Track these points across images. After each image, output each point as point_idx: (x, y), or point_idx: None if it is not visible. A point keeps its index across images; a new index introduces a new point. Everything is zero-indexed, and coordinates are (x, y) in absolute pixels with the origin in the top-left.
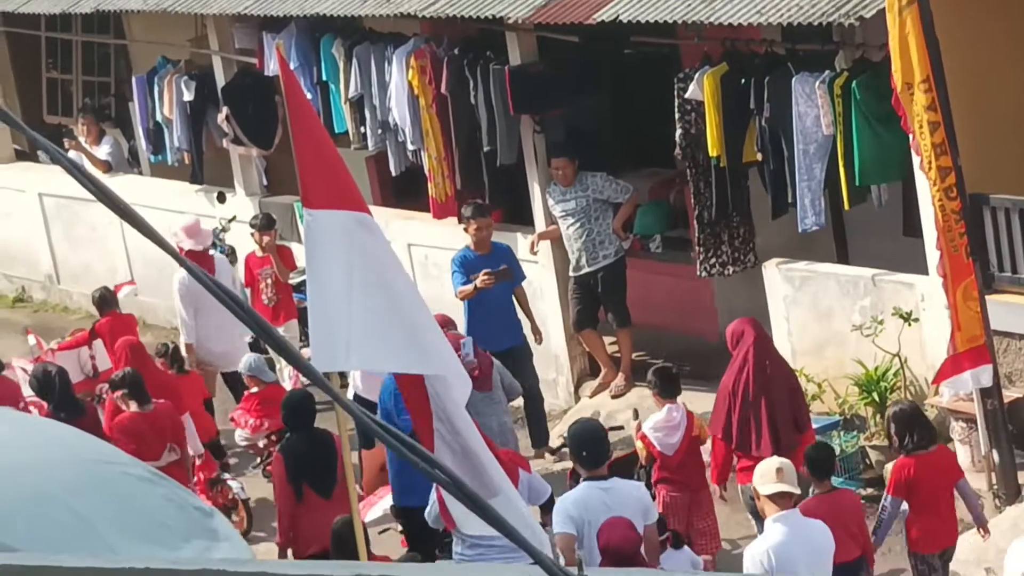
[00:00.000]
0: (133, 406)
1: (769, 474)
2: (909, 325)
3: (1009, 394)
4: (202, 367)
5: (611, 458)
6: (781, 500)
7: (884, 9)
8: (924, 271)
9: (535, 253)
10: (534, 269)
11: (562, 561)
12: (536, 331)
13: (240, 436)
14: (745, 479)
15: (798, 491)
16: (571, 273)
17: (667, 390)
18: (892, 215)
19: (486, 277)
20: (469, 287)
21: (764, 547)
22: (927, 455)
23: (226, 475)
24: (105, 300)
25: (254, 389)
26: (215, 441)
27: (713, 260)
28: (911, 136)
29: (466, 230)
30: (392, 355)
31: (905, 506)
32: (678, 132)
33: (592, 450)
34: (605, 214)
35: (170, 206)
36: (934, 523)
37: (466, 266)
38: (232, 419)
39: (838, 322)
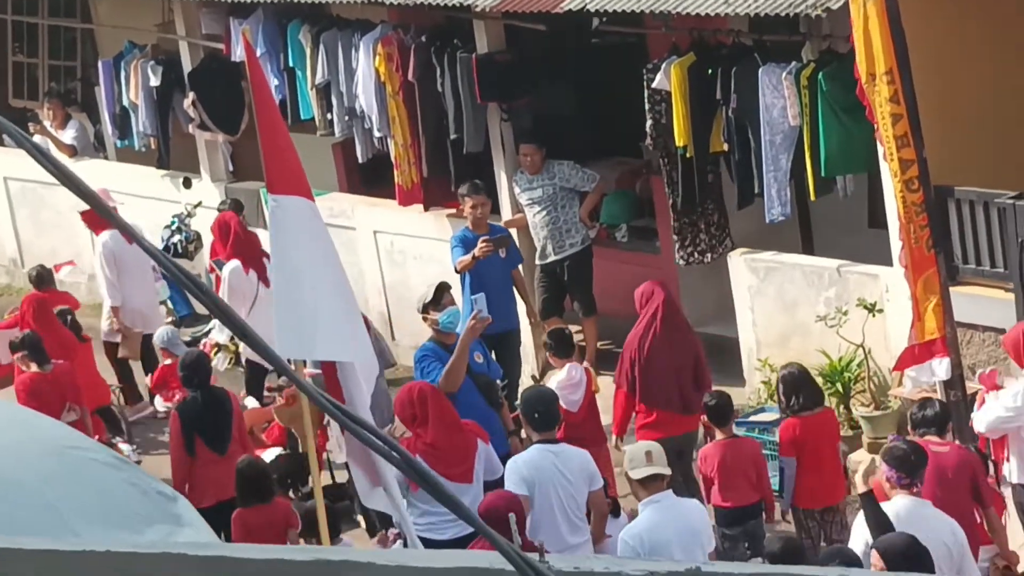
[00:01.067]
0: (33, 367)
1: (639, 458)
2: (873, 316)
3: (972, 385)
4: (126, 331)
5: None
6: (653, 483)
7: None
8: (889, 262)
9: (486, 240)
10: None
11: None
12: (532, 313)
13: (159, 404)
14: (645, 435)
15: (668, 472)
16: (537, 261)
17: (562, 350)
18: (858, 206)
19: (484, 245)
20: (468, 257)
21: (637, 531)
22: (812, 416)
23: (117, 439)
24: (41, 278)
25: (167, 361)
26: (107, 407)
27: (691, 248)
28: (876, 127)
29: (461, 209)
30: (346, 345)
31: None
32: (648, 122)
33: (543, 412)
34: (571, 203)
35: (136, 191)
36: (816, 481)
37: (465, 244)
38: (150, 387)
39: (803, 313)
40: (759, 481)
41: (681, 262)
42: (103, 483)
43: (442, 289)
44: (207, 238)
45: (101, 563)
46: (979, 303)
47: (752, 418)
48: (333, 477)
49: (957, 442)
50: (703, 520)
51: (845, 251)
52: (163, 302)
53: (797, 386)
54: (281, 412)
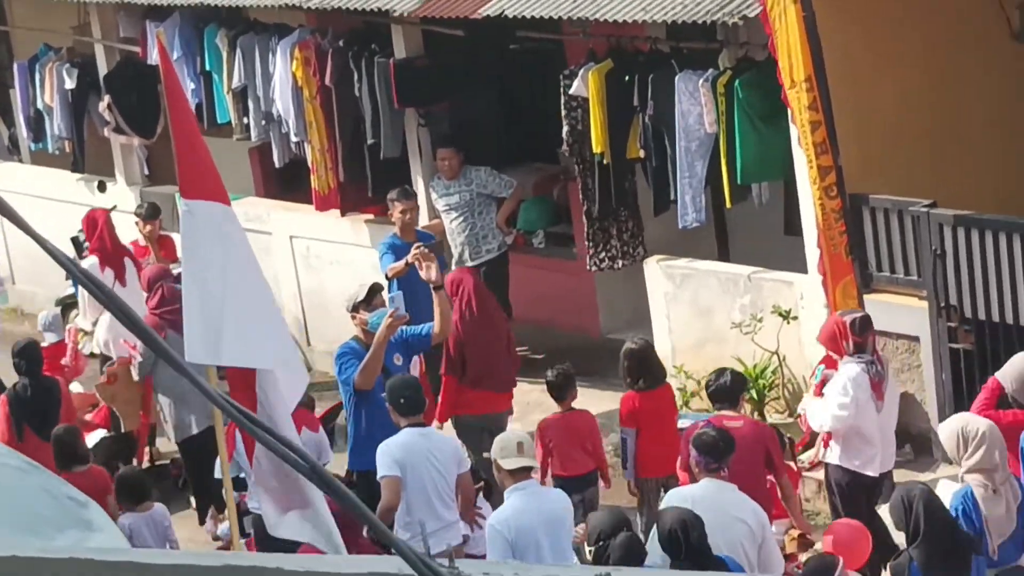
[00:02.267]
0: None
1: (510, 448)
2: (788, 323)
3: None
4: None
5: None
6: (521, 473)
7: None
8: (804, 270)
9: (419, 248)
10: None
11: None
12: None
13: None
14: (470, 410)
15: (537, 464)
16: (454, 267)
17: None
18: (773, 214)
19: (417, 252)
20: (400, 263)
21: (504, 516)
22: (652, 391)
23: None
24: None
25: (45, 344)
26: None
27: (603, 255)
28: (795, 133)
29: (390, 214)
30: (259, 351)
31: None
32: (565, 128)
33: (408, 398)
34: (488, 208)
35: (50, 194)
36: (655, 451)
37: (395, 250)
38: None
39: (718, 319)
40: (595, 451)
41: (593, 268)
42: (12, 488)
43: (374, 290)
44: (124, 240)
45: (6, 569)
46: (893, 311)
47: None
48: (152, 459)
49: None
50: (567, 507)
51: (760, 258)
52: (76, 305)
53: (642, 362)
54: (103, 390)
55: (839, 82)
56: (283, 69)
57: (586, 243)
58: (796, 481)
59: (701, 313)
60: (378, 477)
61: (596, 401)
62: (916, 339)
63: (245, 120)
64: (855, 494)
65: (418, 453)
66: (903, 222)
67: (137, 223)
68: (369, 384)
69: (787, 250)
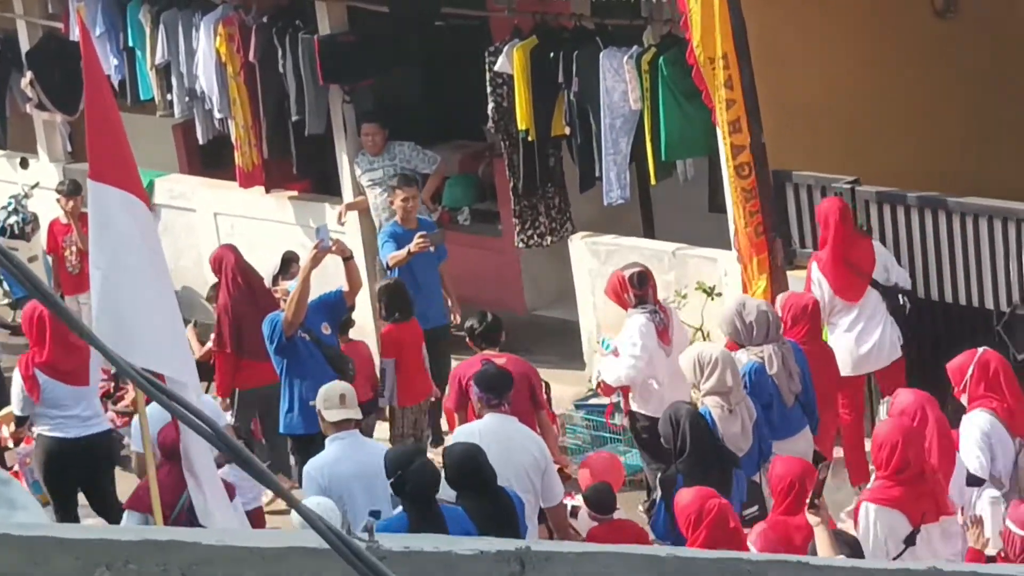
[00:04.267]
0: None
1: (333, 400)
2: (712, 299)
3: None
4: None
5: None
6: (344, 424)
7: None
8: (728, 246)
9: (343, 224)
10: (340, 239)
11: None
12: (456, 310)
13: None
14: (242, 385)
15: (359, 415)
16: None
17: None
18: (698, 191)
19: (420, 240)
20: (402, 252)
21: (320, 463)
22: (407, 323)
23: None
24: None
25: None
26: None
27: (531, 231)
28: (713, 112)
29: (390, 202)
30: (149, 352)
31: None
32: (490, 105)
33: None
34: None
35: None
36: (410, 380)
37: (396, 239)
38: None
39: None
40: (370, 380)
41: (521, 245)
42: None
43: (289, 259)
44: (45, 220)
45: None
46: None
47: (591, 401)
48: None
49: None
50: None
51: (685, 235)
52: None
53: (400, 298)
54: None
55: (762, 59)
56: (206, 45)
57: (513, 220)
58: (553, 419)
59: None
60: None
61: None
62: None
63: (168, 97)
64: (658, 438)
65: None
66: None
67: (59, 200)
68: (299, 319)
69: (711, 227)
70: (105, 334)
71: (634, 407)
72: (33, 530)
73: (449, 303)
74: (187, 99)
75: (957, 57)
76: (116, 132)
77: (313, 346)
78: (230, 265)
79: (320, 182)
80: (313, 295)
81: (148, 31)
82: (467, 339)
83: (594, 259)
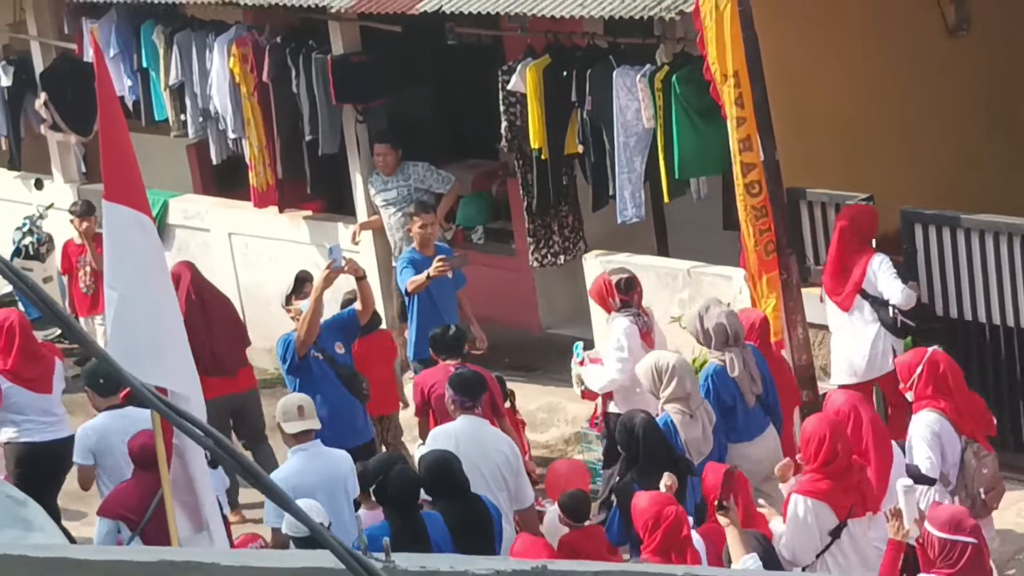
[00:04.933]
0: None
1: (291, 412)
2: None
3: (824, 386)
4: None
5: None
6: (304, 436)
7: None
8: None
9: (357, 243)
10: (356, 259)
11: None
12: (479, 337)
13: None
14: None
15: (319, 426)
16: (394, 263)
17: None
18: (712, 209)
19: (440, 264)
20: (421, 277)
21: (283, 475)
22: (375, 335)
23: None
24: None
25: None
26: None
27: (545, 251)
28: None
29: (409, 229)
30: (160, 369)
31: None
32: (503, 124)
33: (108, 378)
34: None
35: None
36: (376, 392)
37: (415, 265)
38: None
39: (657, 314)
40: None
41: (535, 264)
42: None
43: (302, 279)
44: (59, 240)
45: None
46: (830, 304)
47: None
48: None
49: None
50: (349, 467)
51: (699, 253)
52: (14, 304)
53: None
54: None
55: (776, 77)
56: (220, 66)
57: (527, 239)
58: (516, 426)
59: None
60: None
61: (537, 396)
62: None
63: (182, 117)
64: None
65: (115, 434)
66: None
67: (72, 221)
68: (312, 338)
69: (726, 245)
70: (119, 353)
71: (614, 408)
72: (50, 551)
73: (472, 331)
74: (201, 119)
75: (969, 74)
76: (127, 152)
77: (327, 366)
78: (186, 282)
79: (334, 202)
80: (326, 315)
81: (162, 52)
82: (431, 350)
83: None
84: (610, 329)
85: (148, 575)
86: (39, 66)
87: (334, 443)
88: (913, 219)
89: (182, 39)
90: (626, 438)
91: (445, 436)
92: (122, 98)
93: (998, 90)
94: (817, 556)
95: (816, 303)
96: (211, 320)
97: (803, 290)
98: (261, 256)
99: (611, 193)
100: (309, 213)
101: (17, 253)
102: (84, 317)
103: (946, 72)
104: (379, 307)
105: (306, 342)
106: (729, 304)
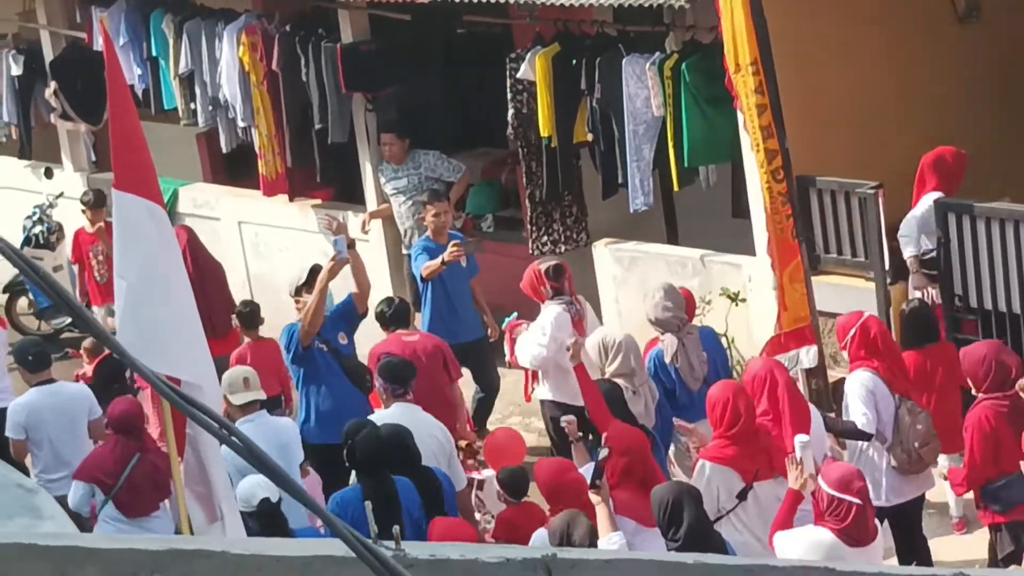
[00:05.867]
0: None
1: (237, 383)
2: (736, 305)
3: (834, 374)
4: None
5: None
6: (251, 407)
7: None
8: (752, 252)
9: (367, 232)
10: (365, 248)
11: None
12: (492, 326)
13: None
14: None
15: (264, 396)
16: (404, 251)
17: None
18: (721, 197)
19: (455, 249)
20: (436, 262)
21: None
22: None
23: None
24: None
25: None
26: None
27: (545, 239)
28: (741, 117)
29: (421, 217)
30: (171, 358)
31: None
32: (510, 112)
33: (36, 355)
34: None
35: None
36: None
37: (429, 253)
38: None
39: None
40: (279, 375)
41: (536, 251)
42: None
43: (315, 272)
44: (69, 229)
45: None
46: (840, 292)
47: None
48: None
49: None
50: (294, 434)
51: (708, 241)
52: (24, 292)
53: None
54: None
55: (785, 65)
56: (230, 54)
57: (528, 227)
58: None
59: (649, 296)
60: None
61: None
62: None
63: (192, 106)
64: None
65: (45, 410)
66: (850, 203)
67: (84, 211)
68: (315, 329)
69: (735, 233)
70: (128, 342)
71: (548, 395)
72: (60, 540)
73: (484, 319)
74: (211, 108)
75: (979, 61)
76: (137, 141)
77: (331, 356)
78: (184, 241)
79: (343, 190)
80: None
81: (171, 41)
82: (379, 324)
83: (618, 266)
84: (542, 314)
85: (158, 563)
86: (49, 55)
87: (338, 435)
88: (946, 209)
89: (191, 28)
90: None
91: (379, 423)
92: (132, 87)
93: (1008, 77)
94: (719, 518)
95: (827, 290)
96: (205, 283)
97: (813, 278)
98: (271, 244)
99: (620, 181)
100: (319, 201)
101: (27, 242)
102: (99, 306)
103: (956, 59)
104: (388, 293)
105: (309, 332)
106: (739, 293)
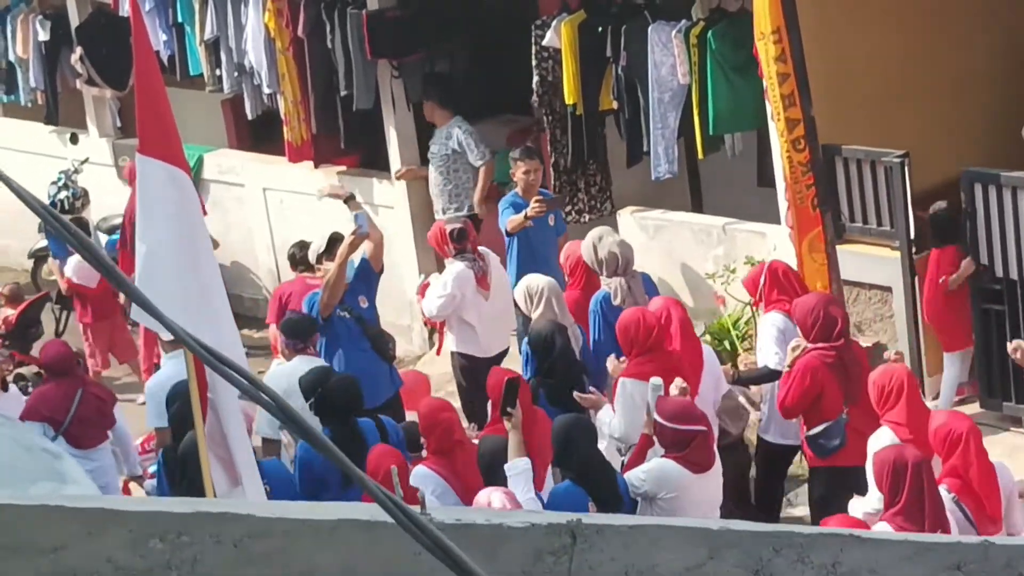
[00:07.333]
0: None
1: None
2: None
3: (859, 341)
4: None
5: None
6: (177, 342)
7: None
8: (777, 220)
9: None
10: (388, 213)
11: None
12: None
13: None
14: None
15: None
16: (437, 218)
17: None
18: (746, 165)
19: (537, 204)
20: (519, 216)
21: (162, 381)
22: None
23: None
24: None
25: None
26: None
27: (569, 208)
28: (764, 86)
29: (512, 174)
30: (192, 323)
31: None
32: (535, 79)
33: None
34: (464, 170)
35: (23, 147)
36: None
37: (516, 208)
38: None
39: (691, 270)
40: None
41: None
42: None
43: (335, 239)
44: (95, 194)
45: None
46: (865, 261)
47: None
48: None
49: None
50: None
51: (733, 209)
52: (46, 257)
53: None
54: None
55: (812, 33)
56: (255, 20)
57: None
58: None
59: (675, 264)
60: None
61: None
62: (888, 289)
63: (217, 72)
64: (476, 375)
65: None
66: (876, 173)
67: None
68: (335, 301)
69: (760, 201)
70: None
71: (455, 348)
72: (87, 502)
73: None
74: (236, 74)
75: (1006, 28)
76: (163, 107)
77: (352, 323)
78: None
79: (368, 157)
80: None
81: (197, 7)
82: (289, 265)
83: (643, 233)
84: (445, 271)
85: (184, 526)
86: (75, 20)
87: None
88: (973, 179)
89: None
90: (544, 347)
91: (283, 376)
92: (157, 53)
93: None
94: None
95: (852, 259)
96: None
97: (838, 247)
98: (296, 211)
99: (645, 149)
100: (344, 168)
101: (52, 207)
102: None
103: (983, 27)
104: (412, 260)
105: (329, 304)
106: (763, 261)
